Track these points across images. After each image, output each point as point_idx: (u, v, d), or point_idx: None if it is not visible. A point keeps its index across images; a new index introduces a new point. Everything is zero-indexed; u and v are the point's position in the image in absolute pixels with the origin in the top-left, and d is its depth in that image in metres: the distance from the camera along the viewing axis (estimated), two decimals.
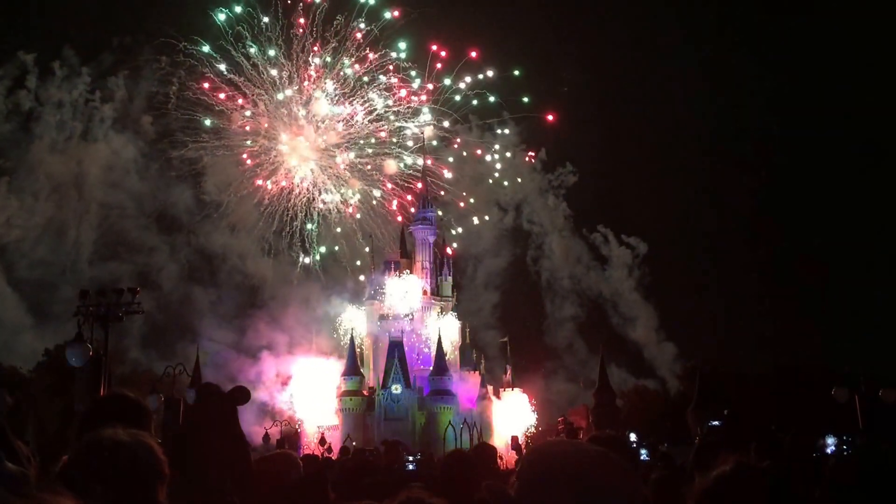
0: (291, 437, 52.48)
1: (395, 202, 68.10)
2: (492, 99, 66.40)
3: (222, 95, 63.39)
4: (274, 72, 64.33)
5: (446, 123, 67.78)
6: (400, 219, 68.02)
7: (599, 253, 74.05)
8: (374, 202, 67.71)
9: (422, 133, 67.99)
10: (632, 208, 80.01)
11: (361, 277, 68.06)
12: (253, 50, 62.94)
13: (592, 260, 72.83)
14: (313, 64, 64.73)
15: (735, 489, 2.07)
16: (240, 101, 64.37)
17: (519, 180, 72.12)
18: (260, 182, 66.19)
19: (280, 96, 65.68)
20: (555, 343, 70.61)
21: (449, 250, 69.48)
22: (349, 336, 63.01)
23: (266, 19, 62.93)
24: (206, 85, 62.56)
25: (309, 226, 66.79)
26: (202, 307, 61.91)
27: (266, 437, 47.48)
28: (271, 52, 63.78)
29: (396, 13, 62.75)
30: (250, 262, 65.28)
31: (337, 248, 68.77)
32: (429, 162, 68.11)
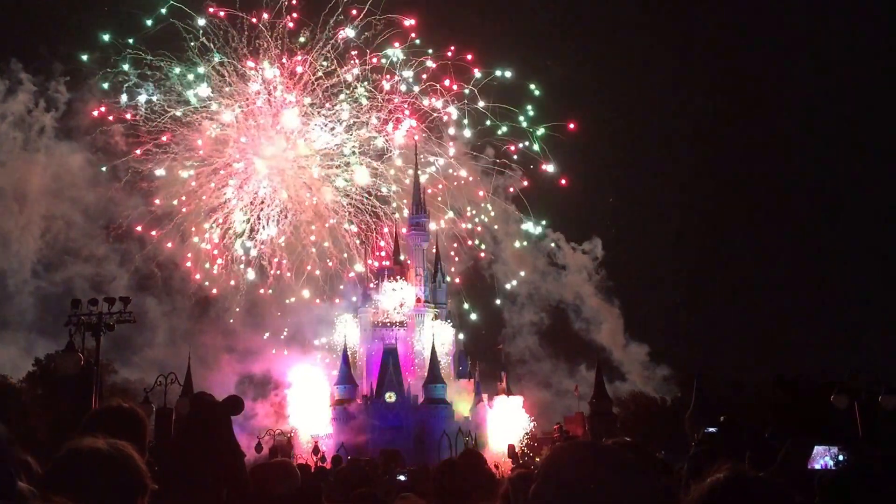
0: (284, 446, 52.06)
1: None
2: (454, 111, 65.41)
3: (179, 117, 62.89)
4: (253, 84, 64.18)
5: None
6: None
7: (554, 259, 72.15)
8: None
9: (415, 141, 67.67)
10: (588, 211, 76.47)
11: (351, 272, 67.41)
12: (217, 59, 62.50)
13: (549, 265, 71.33)
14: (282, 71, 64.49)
15: (730, 497, 2.08)
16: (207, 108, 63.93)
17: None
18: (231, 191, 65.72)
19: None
20: (517, 350, 69.44)
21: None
22: (342, 344, 62.73)
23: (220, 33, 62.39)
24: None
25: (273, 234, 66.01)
26: (155, 317, 61.25)
27: (258, 446, 47.05)
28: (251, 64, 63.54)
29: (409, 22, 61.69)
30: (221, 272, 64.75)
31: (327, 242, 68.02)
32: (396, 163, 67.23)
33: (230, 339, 60.85)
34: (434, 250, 69.29)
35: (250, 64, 63.14)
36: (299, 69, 63.88)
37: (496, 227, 67.85)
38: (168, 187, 62.66)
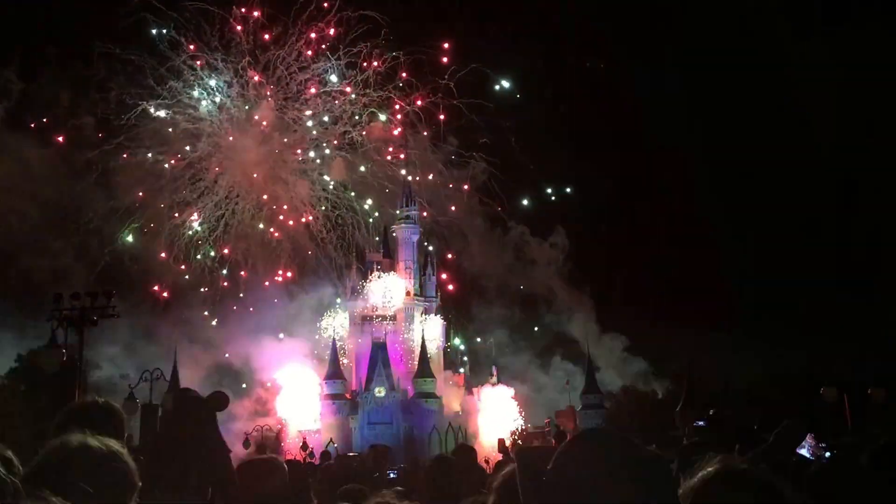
0: (271, 442, 51.75)
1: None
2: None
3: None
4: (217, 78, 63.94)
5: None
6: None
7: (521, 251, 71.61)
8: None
9: (405, 142, 67.56)
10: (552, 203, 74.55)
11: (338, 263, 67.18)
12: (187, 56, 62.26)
13: (516, 259, 70.84)
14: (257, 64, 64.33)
15: (721, 490, 2.10)
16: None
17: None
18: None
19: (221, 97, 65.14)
20: (488, 346, 68.85)
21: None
22: (331, 338, 62.37)
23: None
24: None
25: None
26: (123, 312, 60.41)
27: (246, 442, 46.73)
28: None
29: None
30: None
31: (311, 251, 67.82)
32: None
33: (203, 332, 60.34)
34: (427, 244, 69.14)
35: (223, 57, 63.24)
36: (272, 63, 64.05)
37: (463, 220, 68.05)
38: (135, 181, 62.30)
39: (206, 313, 63.23)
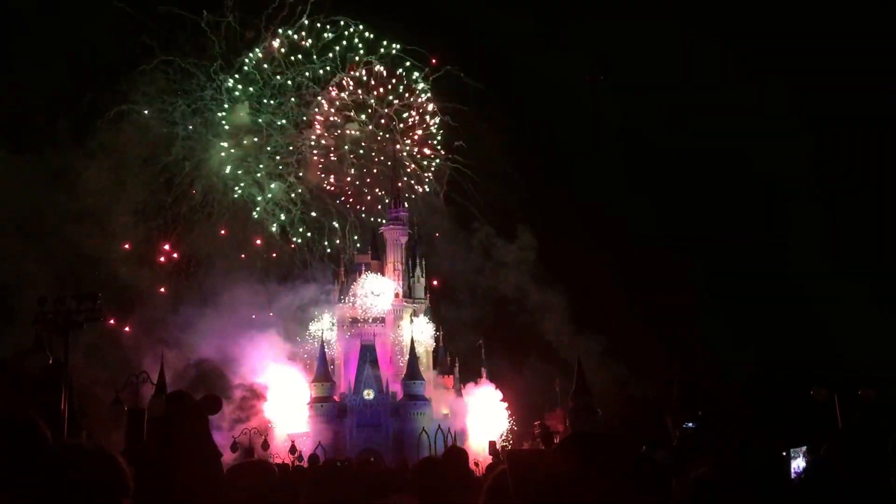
0: (256, 445, 51.36)
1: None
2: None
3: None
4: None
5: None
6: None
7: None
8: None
9: (396, 145, 67.63)
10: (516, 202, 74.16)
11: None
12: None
13: (485, 261, 70.74)
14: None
15: (715, 491, 2.12)
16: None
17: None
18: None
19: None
20: (460, 350, 68.62)
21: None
22: (319, 341, 62.03)
23: None
24: None
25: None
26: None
27: (234, 446, 46.36)
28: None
29: None
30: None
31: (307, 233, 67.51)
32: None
33: (180, 334, 59.76)
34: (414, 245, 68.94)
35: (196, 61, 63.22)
36: (246, 66, 64.11)
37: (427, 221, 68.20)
38: (107, 185, 61.84)
39: (180, 314, 62.78)
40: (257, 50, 64.77)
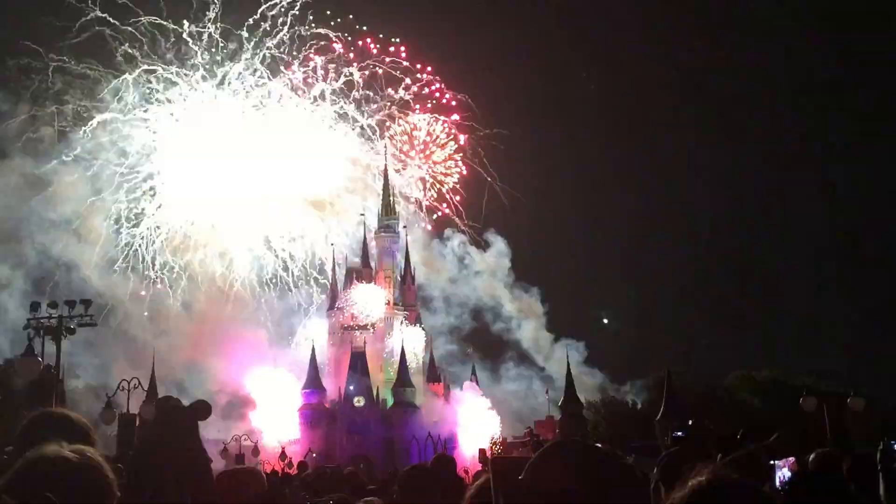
0: (251, 452, 51.23)
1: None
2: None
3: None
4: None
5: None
6: None
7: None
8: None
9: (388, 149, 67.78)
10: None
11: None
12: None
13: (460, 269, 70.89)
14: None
15: (712, 500, 2.06)
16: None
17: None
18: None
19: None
20: (440, 357, 68.66)
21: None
22: (310, 348, 61.96)
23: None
24: None
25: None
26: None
27: (224, 452, 46.24)
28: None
29: None
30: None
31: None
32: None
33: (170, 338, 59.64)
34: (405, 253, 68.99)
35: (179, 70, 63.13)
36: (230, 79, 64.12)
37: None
38: (86, 193, 61.66)
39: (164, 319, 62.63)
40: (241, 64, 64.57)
